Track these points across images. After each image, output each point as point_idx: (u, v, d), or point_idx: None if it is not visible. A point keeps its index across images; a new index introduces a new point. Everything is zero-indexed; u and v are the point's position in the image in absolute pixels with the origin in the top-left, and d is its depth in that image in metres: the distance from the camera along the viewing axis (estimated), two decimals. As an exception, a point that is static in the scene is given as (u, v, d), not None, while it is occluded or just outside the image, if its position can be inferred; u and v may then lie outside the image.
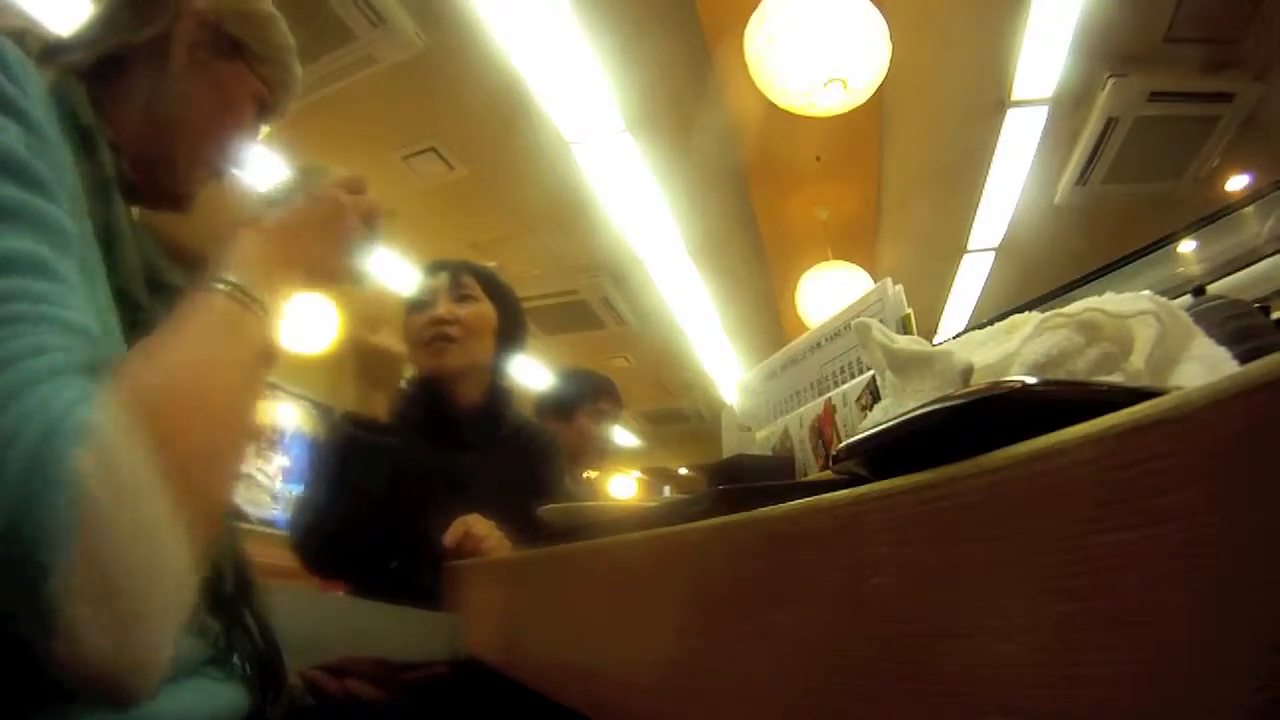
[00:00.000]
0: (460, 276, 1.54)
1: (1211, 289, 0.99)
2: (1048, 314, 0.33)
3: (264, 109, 0.91)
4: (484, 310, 1.54)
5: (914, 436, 0.24)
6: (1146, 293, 0.35)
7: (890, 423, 0.25)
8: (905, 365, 0.35)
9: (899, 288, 0.80)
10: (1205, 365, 0.33)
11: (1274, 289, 1.19)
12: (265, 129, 0.94)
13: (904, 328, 0.78)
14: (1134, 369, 0.32)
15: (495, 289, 1.59)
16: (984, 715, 0.21)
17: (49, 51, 0.75)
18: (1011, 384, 0.23)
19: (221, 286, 0.62)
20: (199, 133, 0.85)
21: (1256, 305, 0.80)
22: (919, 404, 0.24)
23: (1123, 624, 0.18)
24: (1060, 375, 0.31)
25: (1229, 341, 0.35)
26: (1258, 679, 0.15)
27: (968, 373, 0.32)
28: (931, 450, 0.23)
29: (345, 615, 1.00)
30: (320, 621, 0.93)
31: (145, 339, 0.55)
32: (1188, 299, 0.84)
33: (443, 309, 1.49)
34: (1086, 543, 0.18)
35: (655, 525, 0.40)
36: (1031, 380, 0.22)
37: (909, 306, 0.80)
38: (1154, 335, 0.33)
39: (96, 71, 0.77)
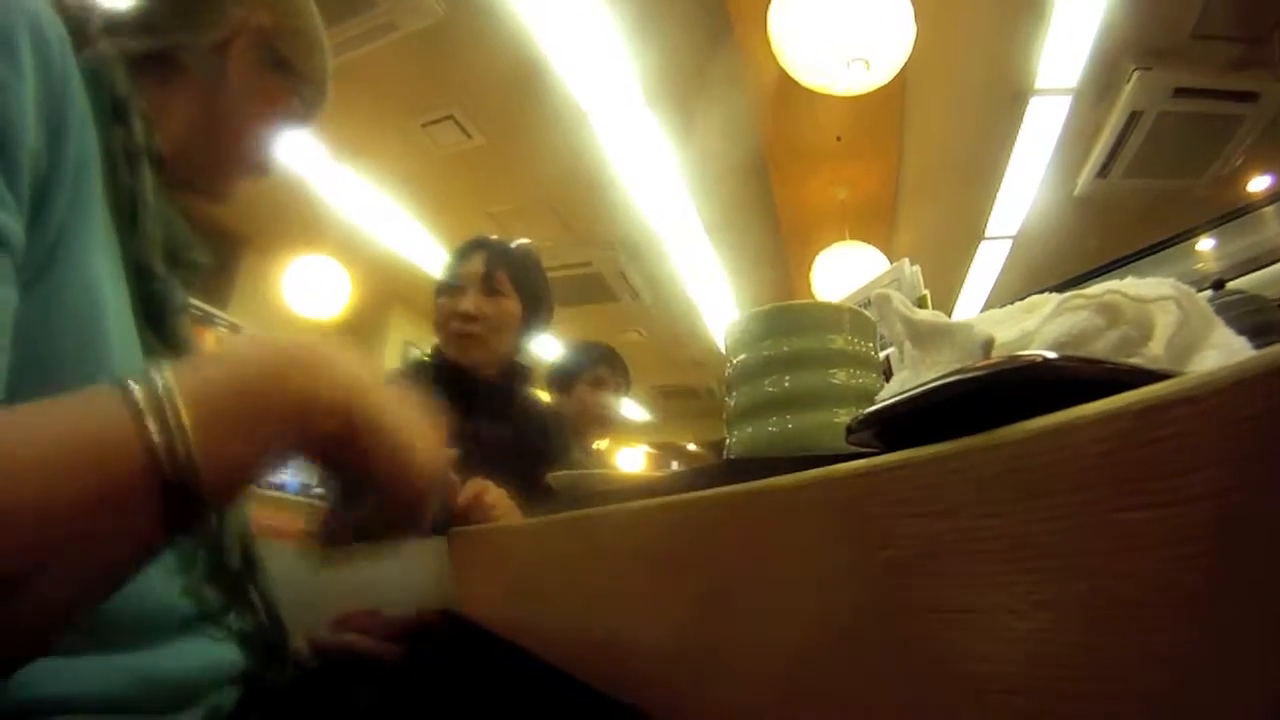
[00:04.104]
0: (494, 270, 1.55)
1: (1230, 285, 0.98)
2: (1068, 294, 0.33)
3: (293, 123, 0.95)
4: (511, 307, 1.56)
5: (930, 408, 0.24)
6: (1169, 279, 0.34)
7: (908, 393, 0.25)
8: (925, 337, 0.35)
9: (916, 268, 0.80)
10: (1225, 354, 0.32)
11: (1294, 288, 1.18)
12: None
13: (920, 307, 0.78)
14: (1153, 354, 0.32)
15: (526, 281, 1.60)
16: (992, 695, 0.21)
17: (103, 28, 0.76)
18: (1031, 358, 0.22)
19: (137, 390, 0.40)
20: (241, 138, 0.89)
21: (1276, 304, 0.79)
22: (937, 375, 0.24)
23: (1138, 604, 0.17)
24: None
25: (1248, 335, 0.35)
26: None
27: (988, 345, 0.32)
28: (947, 423, 0.23)
29: (335, 566, 1.02)
30: (315, 578, 0.95)
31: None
32: (1208, 293, 0.83)
33: (470, 304, 1.51)
34: (1103, 520, 0.18)
35: (666, 494, 0.40)
36: (1051, 355, 0.22)
37: (925, 288, 0.80)
38: (1175, 321, 0.32)
39: (144, 60, 0.78)
